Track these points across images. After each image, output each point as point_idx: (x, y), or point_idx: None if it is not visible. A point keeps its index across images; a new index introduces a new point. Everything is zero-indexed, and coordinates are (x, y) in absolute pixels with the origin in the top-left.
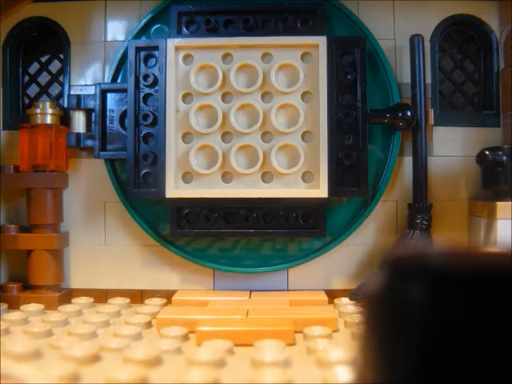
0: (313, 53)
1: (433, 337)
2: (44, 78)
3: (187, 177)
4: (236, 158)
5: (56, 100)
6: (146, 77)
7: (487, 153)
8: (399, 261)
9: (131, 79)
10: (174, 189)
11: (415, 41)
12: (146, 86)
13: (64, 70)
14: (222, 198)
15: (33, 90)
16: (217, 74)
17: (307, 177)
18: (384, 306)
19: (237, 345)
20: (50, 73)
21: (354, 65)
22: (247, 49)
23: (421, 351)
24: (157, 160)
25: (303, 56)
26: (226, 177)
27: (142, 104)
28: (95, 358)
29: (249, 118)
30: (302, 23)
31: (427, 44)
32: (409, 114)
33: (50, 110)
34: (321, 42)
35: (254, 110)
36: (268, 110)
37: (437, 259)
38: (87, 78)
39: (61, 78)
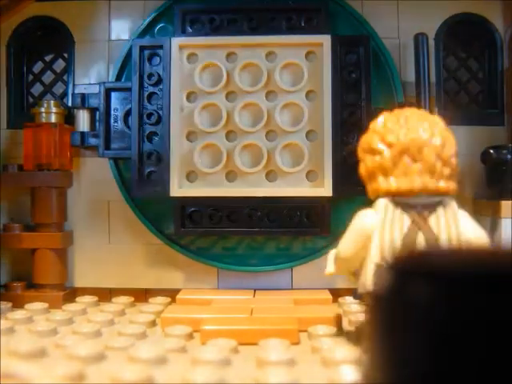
0: (317, 52)
1: (438, 336)
2: (48, 77)
3: (191, 176)
4: (240, 156)
5: (60, 99)
6: (150, 76)
7: (492, 151)
8: (406, 261)
9: (135, 78)
10: (178, 188)
11: (419, 39)
12: (150, 84)
13: (68, 68)
14: (226, 197)
15: (37, 89)
16: (221, 72)
17: (311, 176)
18: (389, 306)
19: (241, 344)
20: (54, 72)
21: (358, 63)
22: (251, 48)
23: (426, 350)
24: (161, 159)
25: (307, 55)
26: (230, 176)
27: (146, 103)
28: (100, 357)
29: (253, 117)
30: (307, 22)
31: (431, 43)
32: None
33: (54, 109)
34: (325, 40)
35: (258, 108)
36: (272, 109)
37: (442, 259)
38: (91, 76)
39: (65, 77)
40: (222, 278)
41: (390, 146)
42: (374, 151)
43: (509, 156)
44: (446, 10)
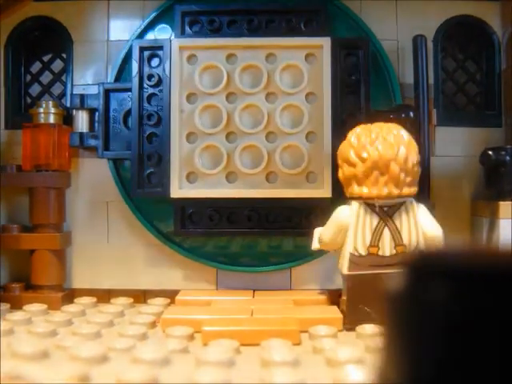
0: (317, 54)
1: (456, 337)
2: (46, 78)
3: (191, 177)
4: (240, 158)
5: (58, 99)
6: (150, 77)
7: (490, 153)
8: (422, 261)
9: (135, 79)
10: (179, 189)
11: (418, 41)
12: (150, 85)
13: (66, 69)
14: (226, 198)
15: (35, 90)
16: (221, 74)
17: (311, 177)
18: (406, 306)
19: (242, 344)
20: (52, 72)
21: (357, 66)
22: (251, 49)
23: (444, 351)
24: (161, 160)
25: (307, 57)
26: (231, 177)
27: (146, 104)
28: (103, 359)
29: (253, 119)
30: (306, 24)
31: (430, 44)
32: (411, 114)
33: (52, 110)
34: (325, 43)
35: (258, 110)
36: (272, 111)
37: (459, 259)
38: (90, 77)
39: (63, 78)
40: (220, 278)
41: (362, 160)
42: (349, 162)
43: (507, 157)
44: (445, 11)
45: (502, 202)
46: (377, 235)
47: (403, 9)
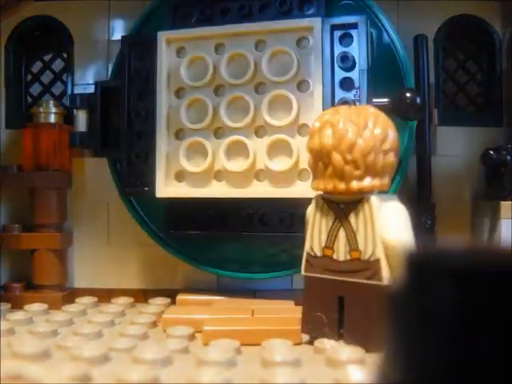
0: (310, 37)
1: (456, 336)
2: (47, 77)
3: (180, 176)
4: (227, 155)
5: (59, 99)
6: (139, 73)
7: (491, 152)
8: (423, 259)
9: (124, 75)
10: (165, 188)
11: (419, 41)
12: (139, 81)
13: (67, 68)
14: (215, 198)
15: (36, 89)
16: (208, 65)
17: (304, 175)
18: (406, 305)
19: (243, 344)
20: (53, 72)
21: (355, 49)
22: (240, 37)
23: (444, 351)
24: (149, 158)
25: (299, 41)
26: (218, 175)
27: (135, 100)
28: (105, 359)
29: (241, 112)
30: (300, 7)
31: (430, 44)
32: (418, 100)
33: (53, 109)
34: (316, 24)
35: (245, 102)
36: (261, 102)
37: (460, 258)
38: (90, 76)
39: (64, 77)
40: (221, 278)
41: (310, 151)
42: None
43: (508, 157)
44: (445, 11)
45: (503, 202)
46: (332, 236)
47: (404, 8)
